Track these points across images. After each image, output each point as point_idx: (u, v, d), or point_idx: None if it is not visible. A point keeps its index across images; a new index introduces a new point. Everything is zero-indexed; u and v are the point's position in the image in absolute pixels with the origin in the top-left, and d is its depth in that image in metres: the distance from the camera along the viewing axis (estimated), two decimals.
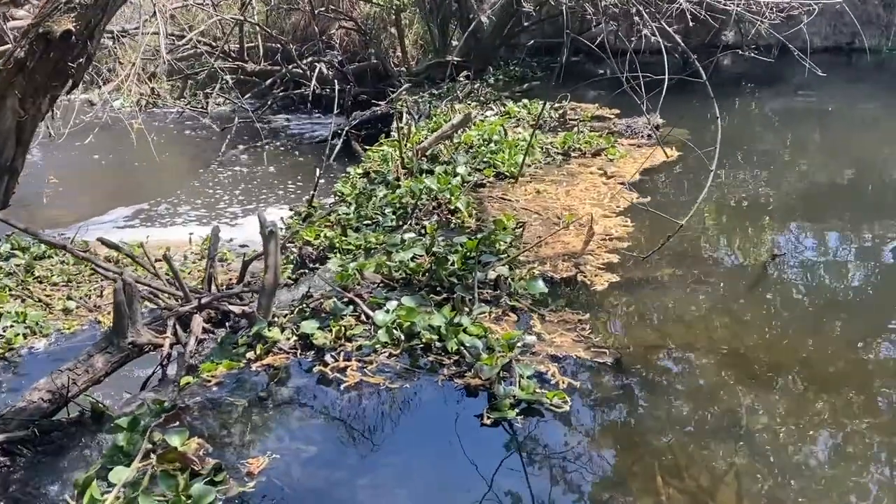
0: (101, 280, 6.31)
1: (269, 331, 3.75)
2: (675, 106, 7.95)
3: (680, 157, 7.58)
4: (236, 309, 4.12)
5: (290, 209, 7.66)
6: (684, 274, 4.97)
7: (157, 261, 5.79)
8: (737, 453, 3.24)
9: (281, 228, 6.63)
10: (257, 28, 13.22)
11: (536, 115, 8.27)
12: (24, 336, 5.52)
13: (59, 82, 2.95)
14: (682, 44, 4.87)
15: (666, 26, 5.02)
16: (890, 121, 11.00)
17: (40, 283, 6.42)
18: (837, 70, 14.43)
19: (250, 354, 3.68)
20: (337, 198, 7.29)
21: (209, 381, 3.49)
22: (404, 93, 11.27)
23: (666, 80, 4.82)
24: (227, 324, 4.60)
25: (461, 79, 11.98)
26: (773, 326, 4.41)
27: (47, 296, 6.17)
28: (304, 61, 12.98)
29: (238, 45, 13.15)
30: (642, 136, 8.18)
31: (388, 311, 3.91)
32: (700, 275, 5.00)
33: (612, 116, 9.38)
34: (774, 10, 8.93)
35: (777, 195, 7.00)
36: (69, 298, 6.06)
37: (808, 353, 4.10)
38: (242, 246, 7.16)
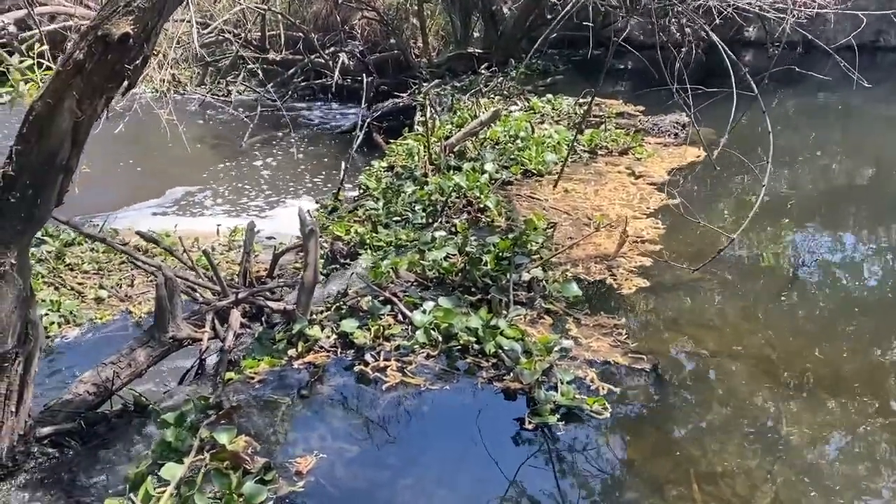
0: (132, 269, 6.37)
1: (311, 329, 3.80)
2: (698, 104, 7.94)
3: (707, 157, 7.55)
4: (275, 305, 4.16)
5: (317, 202, 7.69)
6: (715, 278, 4.98)
7: (185, 252, 5.85)
8: (773, 460, 3.28)
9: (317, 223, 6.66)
10: (279, 17, 13.21)
11: (565, 113, 8.26)
12: (59, 325, 5.58)
13: (116, 84, 2.99)
14: (726, 47, 4.83)
15: (706, 28, 4.99)
16: None
17: (72, 270, 6.47)
18: (860, 68, 14.30)
19: (291, 352, 3.73)
20: (361, 191, 7.32)
21: (252, 378, 3.55)
22: (429, 83, 11.25)
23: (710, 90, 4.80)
24: (262, 318, 4.66)
25: (483, 71, 11.96)
26: (805, 331, 4.43)
27: (79, 284, 6.24)
28: (327, 51, 12.98)
29: (260, 34, 13.15)
30: (669, 135, 8.16)
31: (425, 312, 3.95)
32: (730, 279, 5.02)
33: (638, 114, 9.37)
34: (801, 7, 8.88)
35: (800, 196, 6.99)
36: (101, 288, 6.12)
37: (841, 358, 4.12)
38: (269, 238, 7.19)
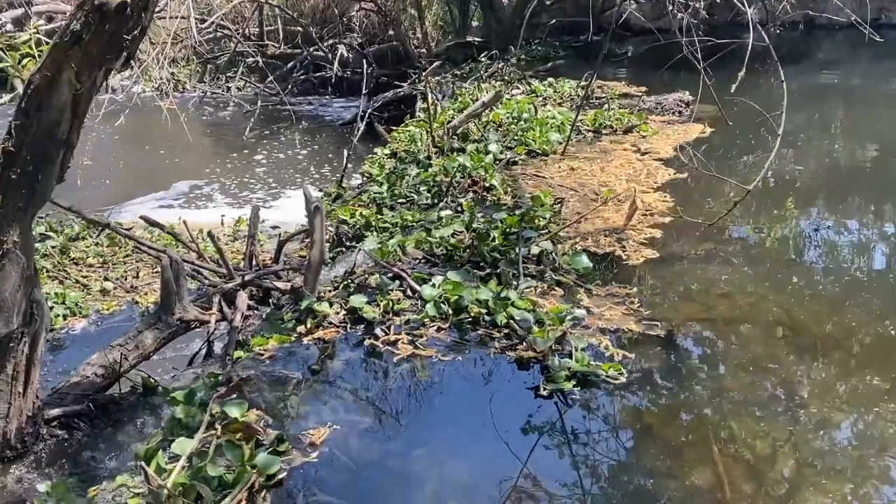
0: (137, 261, 6.34)
1: (319, 305, 3.75)
2: (698, 82, 7.88)
3: (713, 133, 7.50)
4: (281, 285, 4.12)
5: (320, 190, 7.65)
6: (720, 248, 4.93)
7: (192, 240, 5.81)
8: (793, 421, 3.23)
9: (323, 200, 6.62)
10: (277, 11, 13.17)
11: (567, 96, 8.20)
12: (65, 317, 5.55)
13: (114, 55, 2.93)
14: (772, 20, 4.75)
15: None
16: None
17: (76, 264, 6.44)
18: (862, 46, 14.22)
19: (300, 329, 3.68)
20: (365, 178, 7.27)
21: (262, 355, 3.50)
22: (426, 72, 11.19)
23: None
24: (269, 300, 4.62)
25: (483, 59, 11.90)
26: (818, 298, 4.38)
27: (84, 277, 6.20)
28: (325, 44, 12.93)
29: (258, 29, 13.11)
30: (673, 113, 8.09)
31: (434, 286, 3.90)
32: (739, 249, 4.97)
33: (640, 94, 9.30)
34: None
35: (804, 172, 6.93)
36: (106, 279, 6.09)
37: (856, 323, 4.06)
38: (274, 227, 7.15)
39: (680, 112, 8.14)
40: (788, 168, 7.06)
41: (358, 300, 3.77)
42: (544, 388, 3.21)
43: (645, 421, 3.21)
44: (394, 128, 8.98)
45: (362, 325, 3.71)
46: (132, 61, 3.18)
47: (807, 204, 6.08)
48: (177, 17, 9.60)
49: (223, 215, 7.32)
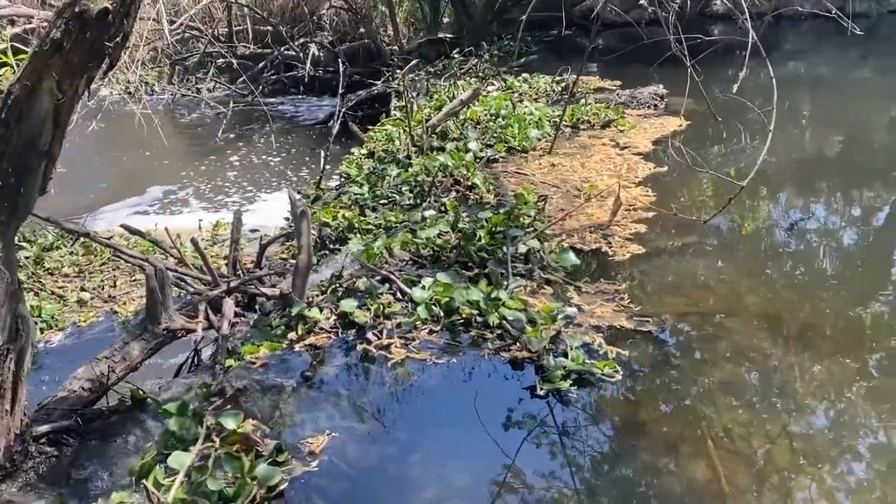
0: (114, 269, 6.23)
1: (310, 311, 3.71)
2: (675, 76, 7.93)
3: (689, 126, 7.57)
4: (269, 291, 4.07)
5: (298, 192, 7.57)
6: (706, 243, 4.98)
7: (171, 248, 5.72)
8: (787, 413, 3.27)
9: (289, 212, 6.56)
10: (246, 10, 13.01)
11: (543, 91, 8.21)
12: (41, 330, 5.43)
13: (96, 62, 2.87)
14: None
15: None
16: (876, 87, 11.04)
17: (51, 275, 6.31)
18: (828, 36, 14.46)
19: (291, 335, 3.64)
20: (344, 179, 7.22)
21: (253, 364, 3.46)
22: (399, 71, 11.14)
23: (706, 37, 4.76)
24: (255, 306, 4.56)
25: (456, 56, 11.88)
26: (801, 287, 4.45)
27: (60, 288, 6.08)
28: (296, 43, 12.81)
29: (227, 29, 12.94)
30: (649, 107, 8.15)
31: (424, 288, 3.88)
32: (722, 242, 5.03)
33: (615, 88, 9.35)
34: None
35: (779, 163, 7.02)
36: (83, 290, 5.97)
37: (840, 311, 4.13)
38: (253, 231, 7.07)
39: (655, 105, 8.20)
40: (765, 159, 7.12)
41: (348, 304, 3.74)
42: (541, 388, 3.21)
43: (641, 417, 3.22)
44: (369, 127, 8.92)
45: (353, 330, 3.68)
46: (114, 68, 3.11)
47: (783, 194, 6.16)
48: (147, 19, 9.43)
49: (200, 220, 7.21)
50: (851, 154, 7.57)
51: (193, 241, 4.35)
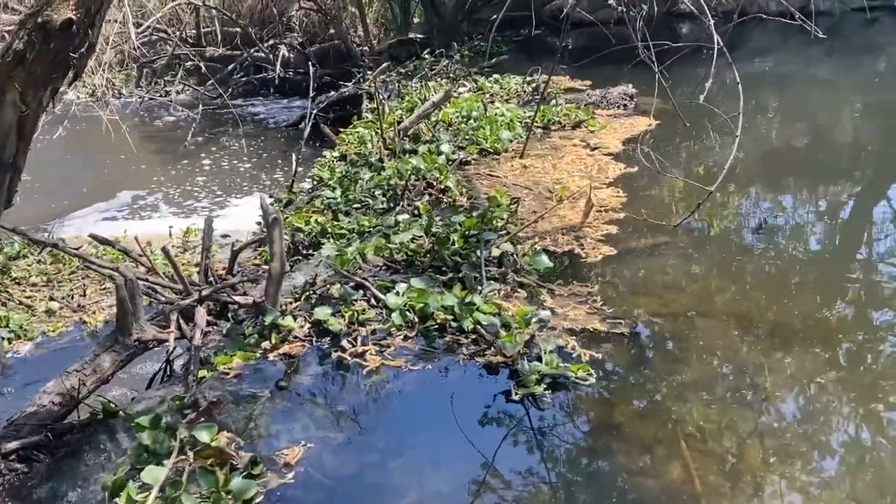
0: (83, 278, 6.14)
1: (283, 319, 3.69)
2: (645, 75, 7.97)
3: (658, 126, 7.64)
4: (242, 299, 4.04)
5: (271, 196, 7.52)
6: (676, 243, 5.03)
7: (141, 256, 5.66)
8: (758, 412, 3.31)
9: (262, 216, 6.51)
10: (214, 12, 12.89)
11: (514, 92, 8.24)
12: (9, 341, 5.34)
13: (60, 74, 2.84)
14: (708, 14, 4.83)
15: None
16: (840, 84, 11.26)
17: (18, 284, 6.20)
18: (792, 34, 14.67)
19: (265, 344, 3.62)
20: (316, 182, 7.18)
21: (227, 374, 3.43)
22: (374, 72, 11.12)
23: (676, 45, 4.78)
24: (228, 315, 4.52)
25: (427, 56, 11.87)
26: (770, 285, 4.51)
27: (28, 297, 5.97)
28: (265, 45, 12.72)
29: (195, 31, 12.81)
30: (619, 107, 8.21)
31: (398, 294, 3.88)
32: (692, 242, 5.09)
33: (584, 88, 9.40)
34: None
35: (747, 161, 7.12)
36: (52, 299, 5.88)
37: (809, 308, 4.20)
38: (224, 236, 7.00)
39: (625, 105, 8.27)
40: (732, 156, 7.22)
41: (322, 312, 3.72)
42: (516, 393, 3.23)
43: (616, 420, 3.25)
44: (341, 129, 8.88)
45: (328, 338, 3.67)
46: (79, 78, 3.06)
47: (752, 192, 6.25)
48: (113, 22, 9.30)
49: (171, 226, 7.14)
50: (818, 151, 7.70)
51: (164, 250, 4.29)
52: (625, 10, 6.82)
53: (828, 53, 13.63)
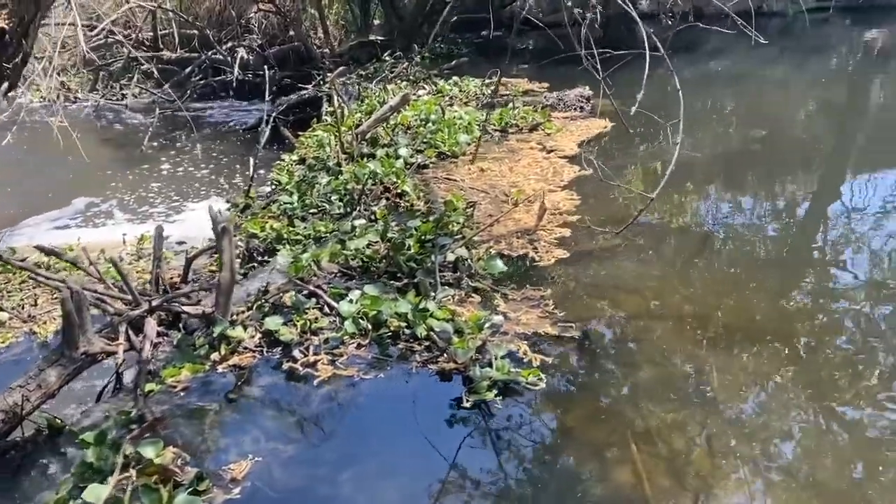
0: (34, 287, 6.00)
1: (233, 330, 3.65)
2: (609, 70, 8.03)
3: (614, 127, 7.72)
4: (192, 310, 3.98)
5: (227, 201, 7.43)
6: (631, 244, 5.08)
7: (90, 264, 5.55)
8: (705, 413, 3.35)
9: (230, 220, 6.43)
10: (171, 14, 12.70)
11: (473, 95, 8.25)
12: None
13: None
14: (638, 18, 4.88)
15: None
16: (794, 82, 11.50)
17: None
18: (747, 35, 14.95)
19: (214, 356, 3.57)
20: (274, 186, 7.12)
21: (175, 387, 3.38)
22: (330, 75, 11.04)
23: (617, 52, 4.86)
24: (179, 325, 4.45)
25: (387, 58, 11.84)
26: (720, 287, 4.57)
27: None
28: (224, 47, 12.57)
29: (152, 34, 12.60)
30: (575, 109, 8.27)
31: (351, 302, 3.86)
32: (645, 244, 5.13)
33: (542, 90, 9.46)
34: None
35: (702, 160, 7.23)
36: (1, 310, 5.73)
37: (757, 309, 4.26)
38: (180, 243, 6.90)
39: (581, 108, 8.33)
40: (688, 156, 7.32)
41: (273, 322, 3.68)
42: (467, 401, 3.23)
43: (566, 424, 3.27)
44: (300, 132, 8.82)
45: (280, 348, 3.63)
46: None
47: (706, 191, 6.34)
48: (63, 24, 9.11)
49: (125, 233, 7.00)
50: (770, 149, 7.84)
51: (112, 260, 4.22)
52: (581, 12, 6.90)
53: (781, 53, 13.93)
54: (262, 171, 8.42)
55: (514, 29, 6.36)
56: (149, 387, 3.45)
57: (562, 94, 8.76)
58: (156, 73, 10.93)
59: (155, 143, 10.75)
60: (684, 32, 8.54)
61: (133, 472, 2.67)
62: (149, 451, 2.78)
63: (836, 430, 3.26)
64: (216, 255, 5.81)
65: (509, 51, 6.02)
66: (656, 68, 5.45)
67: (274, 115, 9.91)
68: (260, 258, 5.26)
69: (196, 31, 12.71)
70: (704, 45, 13.80)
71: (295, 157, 7.57)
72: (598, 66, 4.78)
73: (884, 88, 11.05)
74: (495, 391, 3.26)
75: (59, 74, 12.19)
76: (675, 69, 5.57)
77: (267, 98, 7.86)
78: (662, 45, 4.61)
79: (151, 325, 4.10)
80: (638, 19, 4.82)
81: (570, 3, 7.45)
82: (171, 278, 5.84)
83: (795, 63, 12.88)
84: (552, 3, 13.88)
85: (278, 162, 7.86)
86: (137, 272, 6.23)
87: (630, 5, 4.76)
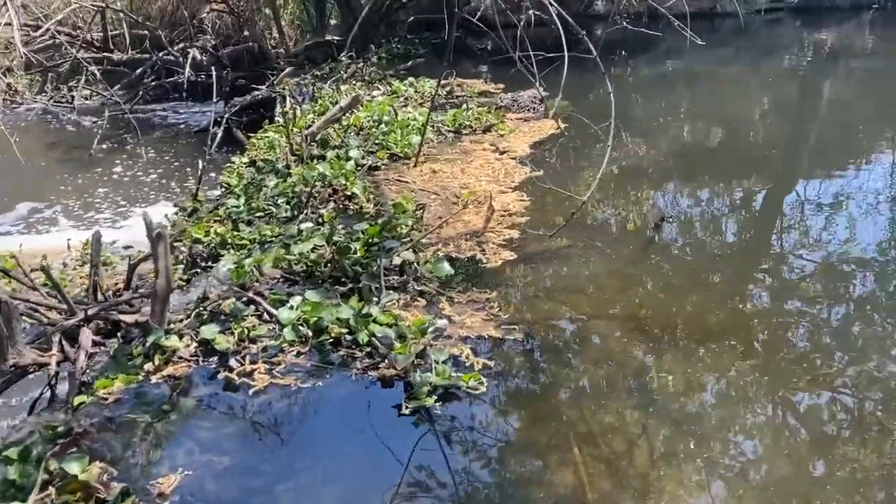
0: None
1: (167, 339, 3.55)
2: (555, 78, 8.03)
3: (567, 129, 7.73)
4: (127, 318, 3.87)
5: (175, 205, 7.28)
6: (580, 244, 5.07)
7: (32, 271, 5.38)
8: (648, 414, 3.35)
9: (166, 226, 6.30)
10: (121, 14, 12.42)
11: (428, 96, 8.20)
12: None
13: None
14: (571, 20, 4.88)
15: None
16: (748, 81, 11.69)
17: None
18: (702, 35, 15.14)
19: (148, 366, 3.47)
20: (224, 190, 7.00)
21: (106, 399, 3.27)
22: (281, 75, 10.92)
23: (552, 55, 4.86)
24: (118, 334, 4.33)
25: (343, 59, 11.74)
26: (671, 286, 4.57)
27: None
28: (176, 48, 12.34)
29: (102, 34, 12.31)
30: (529, 110, 8.27)
31: (292, 308, 3.78)
32: (595, 243, 5.13)
33: (498, 91, 9.45)
34: None
35: (656, 158, 7.28)
36: None
37: (701, 307, 4.28)
38: (127, 248, 6.75)
39: (535, 109, 8.34)
40: (642, 155, 7.38)
41: (209, 330, 3.59)
42: (406, 407, 3.18)
43: (508, 428, 3.24)
44: (252, 135, 8.68)
45: (216, 357, 3.54)
46: None
47: (661, 190, 6.37)
48: (7, 25, 8.84)
49: (69, 239, 6.82)
50: (725, 147, 7.93)
51: (44, 270, 4.08)
52: (532, 11, 6.89)
53: (736, 53, 14.16)
54: (214, 175, 8.29)
55: (450, 32, 6.31)
56: (79, 399, 3.33)
57: (516, 96, 8.76)
58: (99, 74, 10.66)
59: (104, 146, 10.52)
60: (640, 32, 8.60)
61: (53, 489, 2.56)
62: (73, 467, 2.69)
63: (781, 428, 3.27)
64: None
65: (450, 51, 5.95)
66: (612, 68, 5.46)
67: (227, 116, 9.76)
68: (204, 264, 5.15)
69: (147, 32, 12.46)
70: (661, 45, 13.94)
71: (245, 160, 7.44)
72: (535, 69, 4.76)
73: (833, 87, 11.28)
74: (435, 397, 3.22)
75: (4, 76, 11.88)
76: (633, 69, 5.61)
77: (215, 99, 7.73)
78: (596, 47, 4.60)
79: (86, 335, 3.98)
80: (556, 21, 4.79)
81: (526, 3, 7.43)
82: (116, 284, 5.70)
83: (749, 62, 13.09)
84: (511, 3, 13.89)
85: (228, 164, 7.73)
86: (81, 278, 6.06)
87: (555, 5, 4.73)
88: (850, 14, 17.65)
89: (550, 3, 4.53)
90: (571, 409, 3.39)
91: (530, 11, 7.25)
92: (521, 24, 5.14)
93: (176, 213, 6.80)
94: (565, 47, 4.51)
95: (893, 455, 3.07)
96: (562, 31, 4.53)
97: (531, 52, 4.83)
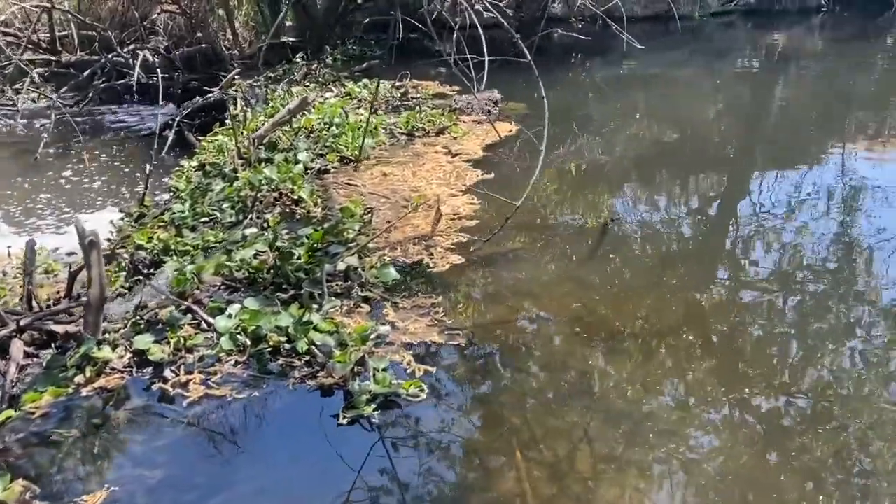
0: None
1: (99, 350, 3.44)
2: (510, 80, 8.06)
3: (520, 131, 7.73)
4: (60, 329, 3.75)
5: (121, 210, 7.10)
6: (530, 246, 5.06)
7: None
8: (591, 417, 3.34)
9: (111, 232, 6.15)
10: (69, 15, 12.12)
11: (373, 96, 8.14)
12: None
13: None
14: (507, 21, 4.87)
15: (495, 1, 5.01)
16: (702, 83, 11.85)
17: None
18: (656, 38, 15.35)
19: (79, 378, 3.36)
20: (172, 194, 6.85)
21: (33, 413, 3.16)
22: (237, 77, 10.74)
23: (488, 59, 4.84)
24: (53, 345, 4.20)
25: (298, 60, 11.61)
26: (615, 287, 4.57)
27: None
28: (126, 49, 12.07)
29: (49, 35, 12.00)
30: (483, 113, 8.26)
31: (230, 316, 3.70)
32: (545, 245, 5.11)
33: (453, 93, 9.42)
34: None
35: (610, 160, 7.31)
36: None
37: (649, 309, 4.29)
38: (70, 255, 6.55)
39: (489, 111, 8.32)
40: (596, 156, 7.40)
41: (143, 341, 3.50)
42: (344, 417, 3.12)
43: (448, 435, 3.20)
44: (201, 138, 8.53)
45: (151, 368, 3.45)
46: None
47: (609, 192, 6.38)
48: None
49: (9, 246, 6.60)
50: (680, 148, 7.99)
51: None
52: (488, 13, 6.87)
53: (690, 55, 14.34)
54: (165, 179, 8.12)
55: (392, 33, 6.28)
56: (6, 414, 3.21)
57: (471, 98, 8.73)
58: (57, 74, 10.38)
59: (52, 151, 10.23)
60: (597, 35, 8.65)
61: None
62: None
63: (727, 432, 3.27)
64: (107, 268, 5.54)
65: (392, 50, 5.91)
66: (569, 72, 5.47)
67: (178, 119, 9.56)
68: (146, 271, 5.02)
69: (97, 33, 12.17)
70: (617, 47, 14.06)
71: (194, 163, 7.30)
72: (473, 72, 4.75)
73: (785, 88, 11.48)
74: (374, 405, 3.17)
75: None
76: (590, 71, 5.61)
77: (160, 101, 7.57)
78: (529, 50, 4.59)
79: (17, 347, 3.85)
80: (505, 23, 4.77)
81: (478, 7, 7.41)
82: (58, 293, 5.53)
83: (703, 65, 13.27)
84: (455, 7, 13.89)
85: (177, 168, 7.58)
86: (21, 287, 5.87)
87: (495, 10, 4.73)
88: (798, 17, 18.02)
89: (486, 8, 4.51)
90: (514, 415, 3.36)
91: (486, 14, 7.25)
92: (457, 26, 5.10)
93: (122, 219, 6.64)
94: (526, 52, 4.48)
95: (851, 459, 3.09)
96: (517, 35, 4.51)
97: (468, 56, 4.80)
